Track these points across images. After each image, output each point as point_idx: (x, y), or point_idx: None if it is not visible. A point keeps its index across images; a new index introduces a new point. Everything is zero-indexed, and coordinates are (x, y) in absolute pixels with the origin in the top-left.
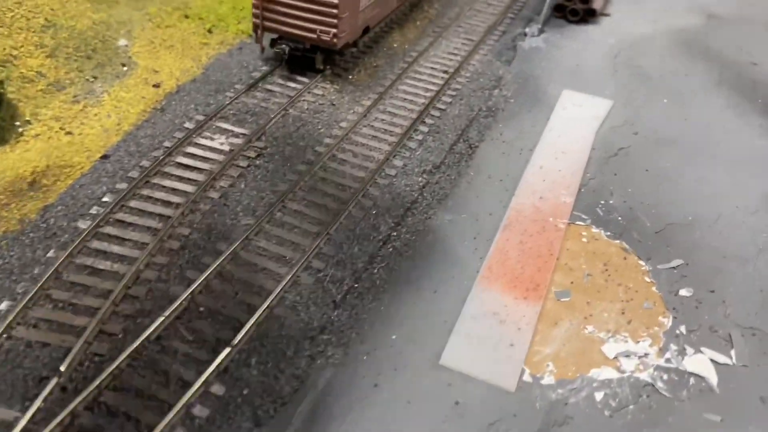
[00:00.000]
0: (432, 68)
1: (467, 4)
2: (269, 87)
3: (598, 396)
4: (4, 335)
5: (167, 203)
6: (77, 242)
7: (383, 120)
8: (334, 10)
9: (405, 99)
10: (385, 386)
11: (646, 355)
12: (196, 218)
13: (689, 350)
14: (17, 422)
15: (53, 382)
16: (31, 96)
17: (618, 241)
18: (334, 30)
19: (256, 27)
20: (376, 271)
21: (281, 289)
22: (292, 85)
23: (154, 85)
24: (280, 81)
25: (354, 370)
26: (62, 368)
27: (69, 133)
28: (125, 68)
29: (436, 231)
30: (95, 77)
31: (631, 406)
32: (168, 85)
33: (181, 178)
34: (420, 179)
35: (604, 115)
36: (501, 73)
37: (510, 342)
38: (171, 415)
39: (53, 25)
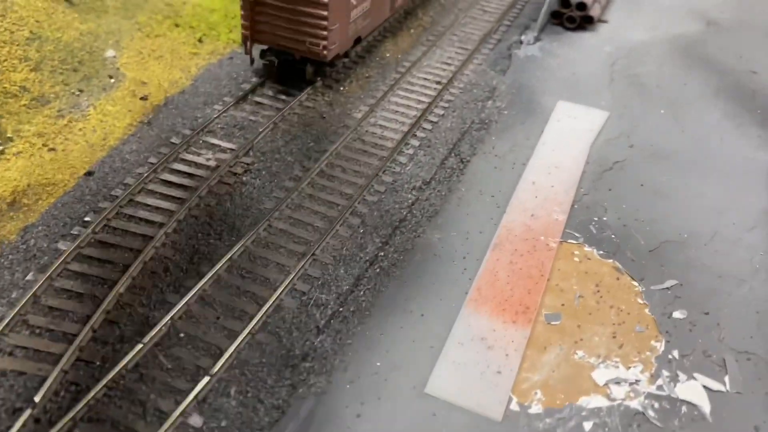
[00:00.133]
0: (425, 79)
1: (462, 11)
2: (258, 99)
3: (587, 426)
4: None
5: (150, 223)
6: (57, 264)
7: (374, 134)
8: (324, 22)
9: (396, 111)
10: (368, 416)
11: (637, 381)
12: (180, 238)
13: (682, 376)
14: None
15: (27, 413)
16: (14, 111)
17: (611, 261)
18: (324, 42)
19: (245, 38)
20: (362, 293)
21: (263, 314)
22: (282, 97)
23: (141, 98)
24: (270, 93)
25: (337, 399)
26: (36, 399)
27: (52, 149)
28: (112, 80)
29: (424, 250)
30: (81, 90)
31: None
32: (156, 97)
33: (165, 196)
34: (409, 196)
35: (600, 127)
36: (495, 84)
37: (497, 369)
38: None
39: (38, 38)
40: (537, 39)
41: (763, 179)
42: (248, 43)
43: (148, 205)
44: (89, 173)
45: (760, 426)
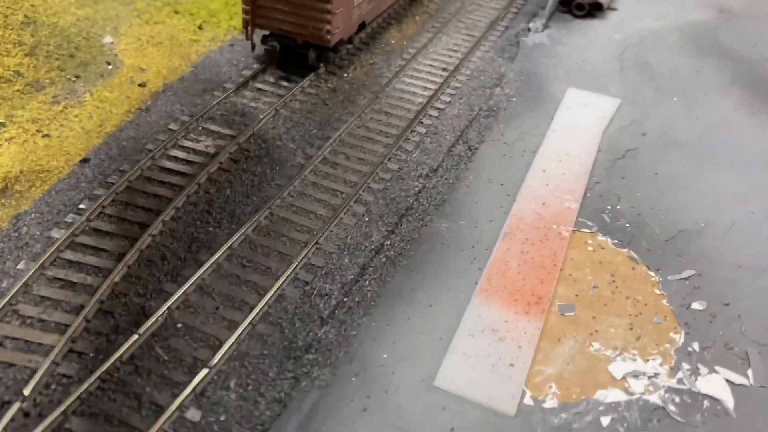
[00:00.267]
0: (431, 66)
1: None
2: (260, 86)
3: (605, 421)
4: None
5: (147, 210)
6: (50, 253)
7: (379, 120)
8: (327, 5)
9: (402, 98)
10: (374, 411)
11: (656, 375)
12: (178, 226)
13: (703, 369)
14: None
15: (15, 407)
16: (8, 97)
17: (626, 250)
18: (327, 26)
19: (246, 23)
20: (367, 283)
21: (265, 304)
22: (284, 83)
23: (139, 85)
24: (271, 80)
25: (341, 392)
26: (26, 392)
27: (47, 135)
28: (110, 67)
29: (432, 239)
30: (77, 76)
31: None
32: (154, 84)
33: (162, 183)
34: (416, 183)
35: (611, 115)
36: (503, 71)
37: (510, 361)
38: None
39: (33, 22)
40: (545, 26)
41: None
42: (249, 29)
43: (146, 192)
44: (85, 160)
45: None
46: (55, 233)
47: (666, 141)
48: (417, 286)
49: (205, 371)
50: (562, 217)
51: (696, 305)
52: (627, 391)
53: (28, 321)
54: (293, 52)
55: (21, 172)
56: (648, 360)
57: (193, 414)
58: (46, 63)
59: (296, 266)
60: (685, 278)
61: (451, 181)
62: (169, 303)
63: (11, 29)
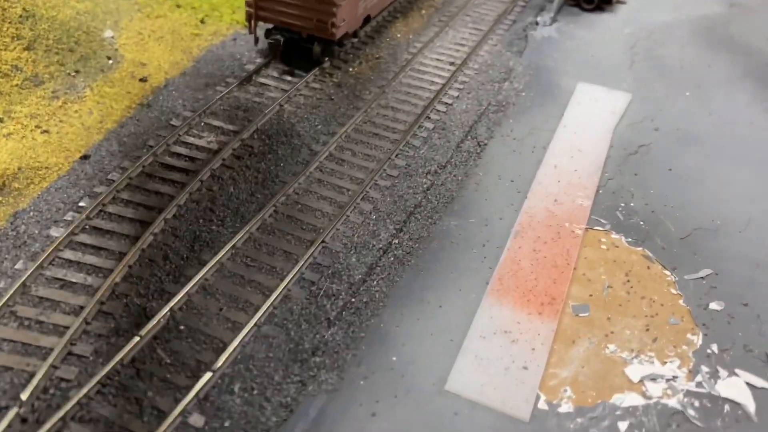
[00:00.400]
0: (438, 60)
1: None
2: (263, 81)
3: (622, 426)
4: None
5: (149, 208)
6: (48, 252)
7: (385, 116)
8: None
9: (409, 93)
10: (384, 415)
11: (674, 378)
12: (180, 224)
13: (722, 372)
14: None
15: (12, 412)
16: (6, 92)
17: (640, 248)
18: (333, 19)
19: (249, 17)
20: (375, 283)
21: (270, 305)
22: (288, 78)
23: (140, 80)
24: (275, 74)
25: (349, 396)
26: (23, 396)
27: (46, 131)
28: (110, 61)
29: (441, 238)
30: (77, 71)
31: None
32: (156, 79)
33: (164, 180)
34: (424, 180)
35: (622, 110)
36: (511, 65)
37: (523, 364)
38: None
39: (32, 16)
40: (553, 20)
41: None
42: (252, 22)
43: (147, 190)
44: (85, 157)
45: None
46: (54, 232)
47: (679, 136)
48: (426, 286)
49: (208, 375)
50: (575, 214)
51: (714, 305)
52: (644, 394)
53: (26, 323)
54: (297, 46)
55: (19, 168)
56: (665, 362)
57: (197, 419)
58: (45, 57)
59: (302, 266)
60: (701, 277)
61: (460, 178)
62: (171, 304)
63: (9, 23)
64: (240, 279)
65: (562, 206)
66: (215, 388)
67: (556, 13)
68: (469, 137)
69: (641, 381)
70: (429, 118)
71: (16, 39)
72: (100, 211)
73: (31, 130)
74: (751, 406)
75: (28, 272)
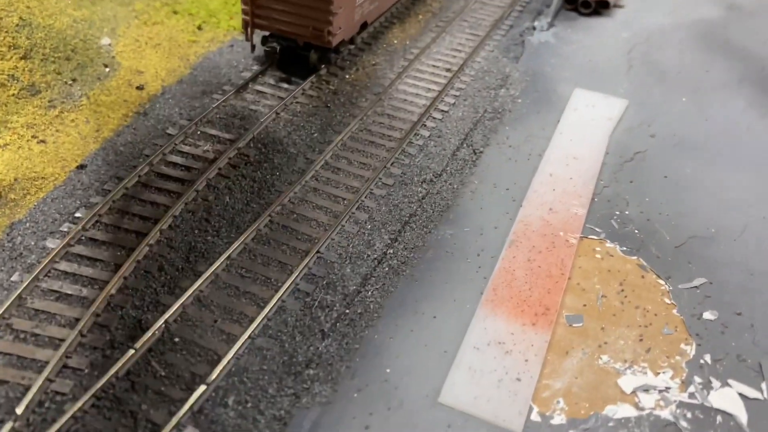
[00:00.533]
0: (434, 66)
1: None
2: (259, 88)
3: None
4: None
5: (144, 218)
6: (44, 264)
7: (382, 123)
8: (329, 6)
9: (405, 100)
10: (377, 428)
11: (667, 389)
12: (175, 235)
13: (715, 383)
14: None
15: (7, 427)
16: (2, 102)
17: (635, 257)
18: (329, 27)
19: (246, 24)
20: (369, 294)
21: (264, 317)
22: (285, 86)
23: (137, 87)
24: (272, 81)
25: (343, 409)
26: (18, 410)
27: (42, 141)
28: (107, 69)
29: (436, 247)
30: (74, 80)
31: None
32: (152, 87)
33: (160, 190)
34: (420, 189)
35: (619, 116)
36: (508, 71)
37: (517, 376)
38: None
39: (28, 24)
40: (551, 25)
41: None
42: (249, 29)
43: (142, 200)
44: (81, 166)
45: None
46: (50, 243)
47: (675, 143)
48: (421, 297)
49: (203, 388)
50: (570, 223)
51: (708, 315)
52: (637, 406)
53: (22, 335)
54: (294, 54)
55: (15, 179)
56: (658, 373)
57: None
58: (42, 66)
59: (297, 276)
60: (696, 287)
61: (455, 187)
62: (166, 316)
63: (6, 32)
64: (235, 290)
65: (557, 215)
66: (209, 401)
67: (554, 18)
68: (465, 145)
69: (634, 392)
70: (425, 125)
71: (12, 48)
72: (96, 221)
73: (28, 140)
74: (743, 417)
75: (24, 284)
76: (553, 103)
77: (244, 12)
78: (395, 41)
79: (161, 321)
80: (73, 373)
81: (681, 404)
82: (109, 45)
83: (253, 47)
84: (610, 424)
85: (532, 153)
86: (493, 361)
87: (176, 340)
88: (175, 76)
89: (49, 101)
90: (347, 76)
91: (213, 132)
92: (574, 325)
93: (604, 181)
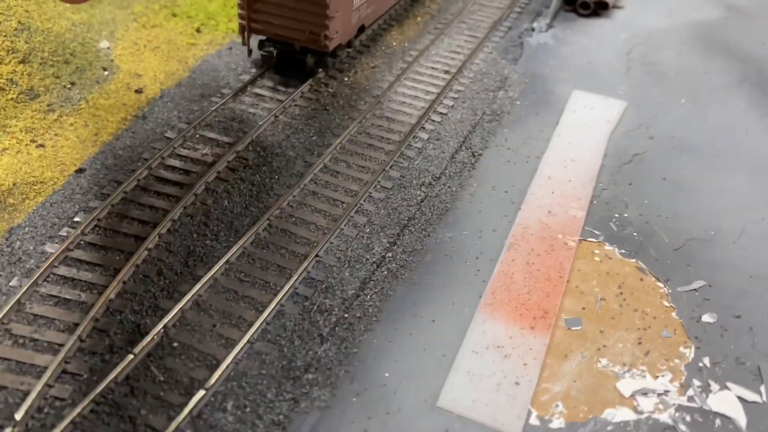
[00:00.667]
0: (433, 68)
1: None
2: (258, 91)
3: None
4: None
5: (143, 222)
6: (43, 269)
7: (380, 126)
8: (325, 10)
9: (404, 102)
10: None
11: (666, 392)
12: (174, 239)
13: (714, 386)
14: None
15: None
16: (1, 106)
17: (634, 260)
18: (325, 31)
19: (242, 29)
20: (368, 298)
21: (263, 321)
22: (283, 89)
23: (136, 91)
24: (270, 85)
25: (342, 413)
26: (18, 416)
27: (41, 145)
28: (106, 73)
29: (435, 250)
30: (73, 83)
31: None
32: (151, 90)
33: (158, 194)
34: (418, 192)
35: (618, 118)
36: (506, 73)
37: (515, 379)
38: None
39: (27, 28)
40: (549, 26)
41: None
42: (246, 34)
43: (141, 204)
44: (80, 170)
45: None
46: (49, 248)
47: (674, 145)
48: (420, 300)
49: (201, 392)
50: (568, 226)
51: (707, 318)
52: (636, 409)
53: (21, 341)
54: (291, 58)
55: (14, 184)
56: (657, 377)
57: None
58: (41, 70)
59: (295, 280)
60: (694, 289)
61: (454, 190)
62: (165, 320)
63: (4, 36)
64: (234, 294)
65: (555, 217)
66: (208, 406)
67: (552, 19)
68: (463, 147)
69: (633, 395)
70: (424, 128)
71: (11, 52)
72: (95, 226)
73: (27, 145)
74: (742, 420)
75: (23, 289)
76: (552, 105)
77: (241, 17)
78: (394, 43)
79: (160, 326)
80: (72, 379)
81: (680, 407)
82: (108, 48)
83: (249, 51)
84: (609, 427)
85: (531, 155)
86: (491, 365)
87: (175, 344)
88: (173, 80)
89: (47, 105)
90: (346, 79)
91: (212, 135)
92: (572, 328)
93: (602, 183)
